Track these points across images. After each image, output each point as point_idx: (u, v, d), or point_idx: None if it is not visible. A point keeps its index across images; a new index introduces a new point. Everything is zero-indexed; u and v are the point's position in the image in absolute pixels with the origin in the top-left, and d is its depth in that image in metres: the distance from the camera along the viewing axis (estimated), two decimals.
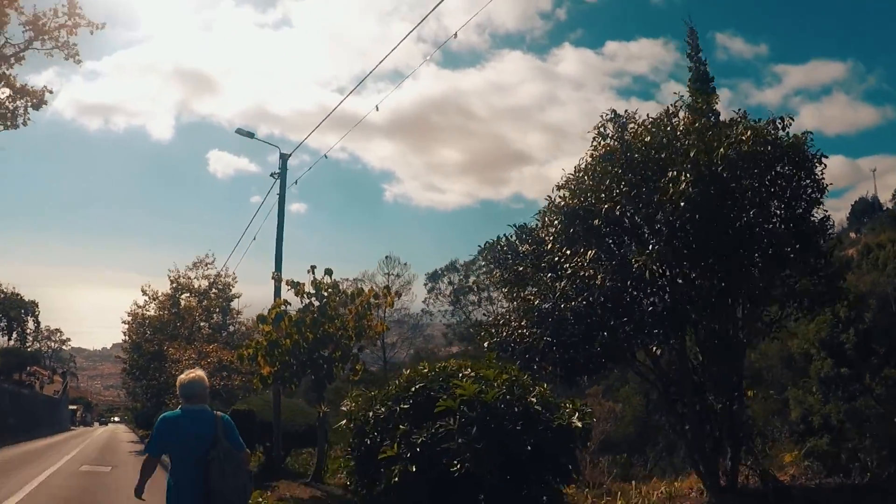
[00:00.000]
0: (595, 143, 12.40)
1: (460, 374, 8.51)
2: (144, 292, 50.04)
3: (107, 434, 60.88)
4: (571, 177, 12.69)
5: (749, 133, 11.11)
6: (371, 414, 8.83)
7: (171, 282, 48.59)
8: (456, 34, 14.21)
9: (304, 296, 18.01)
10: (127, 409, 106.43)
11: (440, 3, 13.22)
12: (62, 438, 49.46)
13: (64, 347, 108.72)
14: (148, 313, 49.31)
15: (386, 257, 62.06)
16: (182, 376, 7.12)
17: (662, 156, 11.39)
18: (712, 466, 12.37)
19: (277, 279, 19.56)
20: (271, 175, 23.51)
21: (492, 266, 14.27)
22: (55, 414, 70.99)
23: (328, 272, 18.27)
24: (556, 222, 12.12)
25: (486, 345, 13.16)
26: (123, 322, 51.31)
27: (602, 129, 12.40)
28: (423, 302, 60.92)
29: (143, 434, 51.28)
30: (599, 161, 12.07)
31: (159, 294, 49.01)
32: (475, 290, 58.94)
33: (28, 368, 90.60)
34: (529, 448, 7.40)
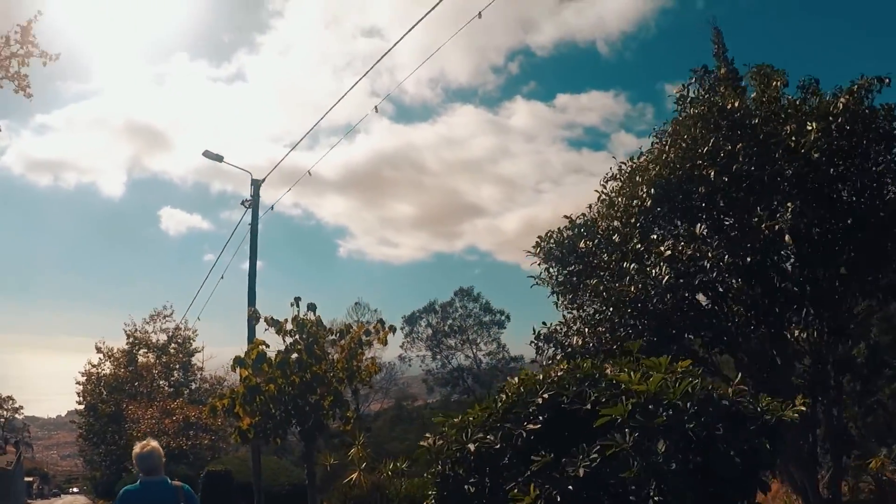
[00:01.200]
0: (679, 108, 10.50)
1: (607, 372, 5.80)
2: (99, 349, 46.64)
3: None
4: (621, 167, 10.67)
5: (856, 88, 9.30)
6: (472, 448, 5.83)
7: (128, 336, 45.32)
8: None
9: (287, 334, 15.61)
10: (86, 479, 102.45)
11: (385, 54, 11.95)
12: None
13: (17, 416, 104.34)
14: (103, 372, 45.96)
15: (355, 304, 59.37)
16: (137, 449, 7.00)
17: (755, 121, 9.46)
18: (812, 478, 10.46)
19: (254, 315, 16.89)
20: (242, 203, 21.33)
21: (546, 266, 11.87)
22: (9, 487, 66.46)
23: (311, 307, 15.90)
24: (636, 202, 9.98)
25: (550, 361, 10.86)
26: (77, 383, 47.81)
27: (686, 92, 10.47)
28: (401, 346, 58.25)
29: (104, 503, 47.96)
30: (691, 126, 10.05)
31: (115, 351, 45.70)
32: (457, 331, 56.25)
33: None
34: (738, 459, 4.86)
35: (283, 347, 15.67)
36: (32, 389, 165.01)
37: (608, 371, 5.82)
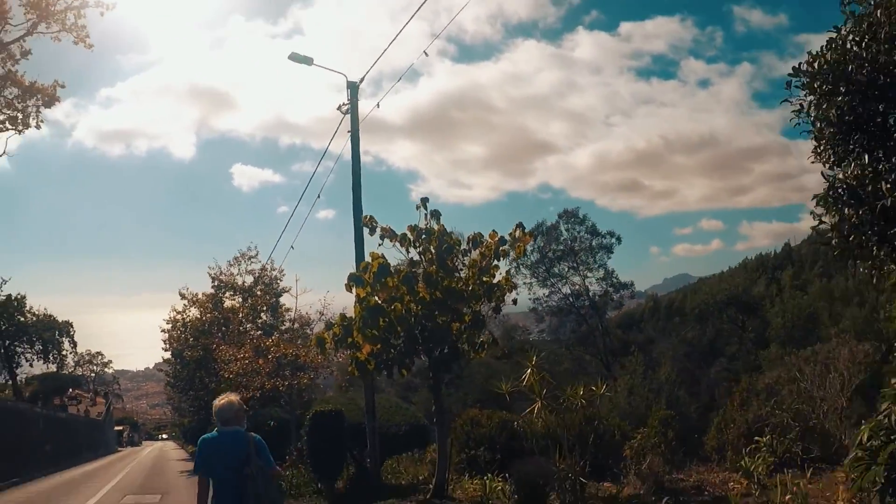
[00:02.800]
0: None
1: None
2: (183, 296, 44.69)
3: (154, 453, 57.30)
4: None
5: None
6: None
7: (212, 279, 43.22)
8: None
9: (411, 245, 12.98)
10: (174, 426, 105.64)
11: None
12: (107, 462, 45.30)
13: (107, 370, 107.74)
14: (188, 318, 44.14)
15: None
16: (216, 401, 7.53)
17: None
18: None
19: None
20: (338, 108, 18.68)
21: (815, 96, 8.29)
22: (100, 436, 66.55)
23: (436, 215, 13.21)
24: None
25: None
26: (162, 331, 46.15)
27: None
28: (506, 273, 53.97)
29: (193, 450, 46.76)
30: None
31: (199, 296, 43.72)
32: (566, 255, 51.27)
33: (69, 392, 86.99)
34: None
35: (408, 260, 13.16)
36: (121, 345, 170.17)
37: None
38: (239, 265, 43.67)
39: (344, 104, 18.49)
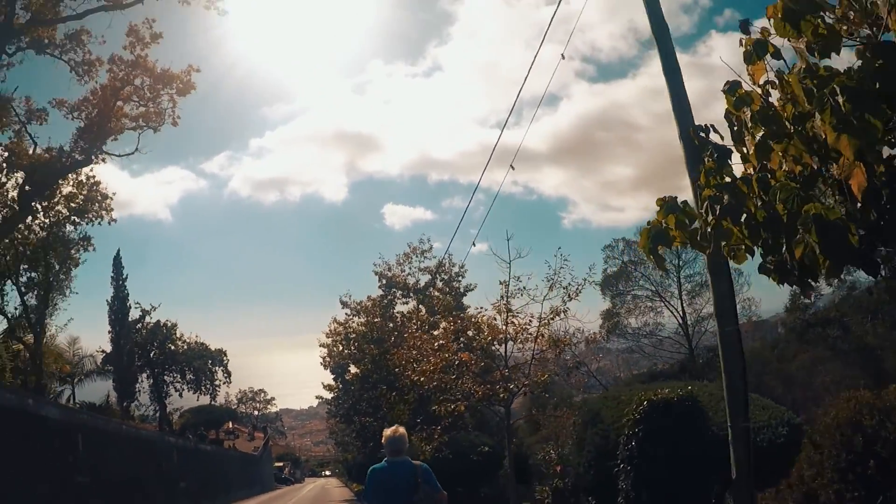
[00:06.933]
0: None
1: None
2: (345, 304, 37.08)
3: (315, 491, 51.16)
4: None
5: None
6: None
7: (379, 278, 35.55)
8: None
9: None
10: (337, 462, 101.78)
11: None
12: (259, 501, 38.67)
13: (270, 408, 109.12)
14: (350, 328, 36.27)
15: None
16: (386, 431, 7.89)
17: None
18: None
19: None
20: None
21: None
22: (255, 472, 60.49)
23: None
24: None
25: None
26: (321, 345, 38.82)
27: None
28: None
29: (359, 489, 39.68)
30: None
31: (364, 301, 35.87)
32: None
33: (226, 426, 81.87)
34: None
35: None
36: (286, 385, 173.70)
37: None
38: (409, 262, 35.86)
39: None
